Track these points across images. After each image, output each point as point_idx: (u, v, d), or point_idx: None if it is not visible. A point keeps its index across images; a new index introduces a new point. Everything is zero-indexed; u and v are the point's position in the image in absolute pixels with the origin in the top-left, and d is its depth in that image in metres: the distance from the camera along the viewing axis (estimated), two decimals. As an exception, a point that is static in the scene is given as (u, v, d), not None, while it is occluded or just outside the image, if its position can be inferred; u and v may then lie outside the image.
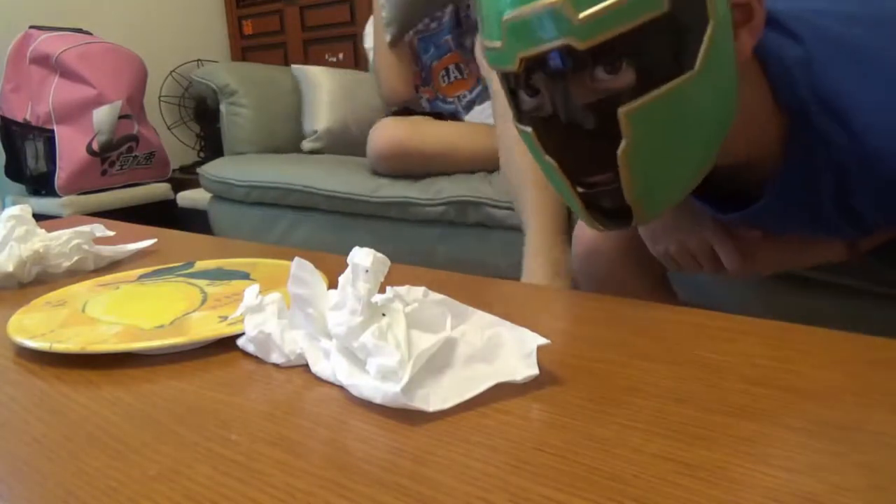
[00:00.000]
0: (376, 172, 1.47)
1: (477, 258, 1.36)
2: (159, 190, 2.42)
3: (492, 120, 1.56)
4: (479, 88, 1.68)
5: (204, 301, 0.52)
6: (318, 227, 1.58)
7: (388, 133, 1.39)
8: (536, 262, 1.07)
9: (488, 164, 1.38)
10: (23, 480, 0.31)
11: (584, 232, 0.82)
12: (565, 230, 1.07)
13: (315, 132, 1.80)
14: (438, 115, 1.47)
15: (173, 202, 2.40)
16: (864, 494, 0.26)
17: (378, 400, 0.35)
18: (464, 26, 1.67)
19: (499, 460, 0.30)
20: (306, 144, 1.81)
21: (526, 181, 1.12)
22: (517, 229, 1.29)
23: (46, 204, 2.18)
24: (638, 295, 0.82)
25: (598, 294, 0.55)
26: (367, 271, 0.37)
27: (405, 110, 1.49)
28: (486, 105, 1.65)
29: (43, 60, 2.19)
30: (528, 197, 1.12)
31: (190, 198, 2.30)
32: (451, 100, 1.71)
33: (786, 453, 0.29)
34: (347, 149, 1.78)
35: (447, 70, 1.71)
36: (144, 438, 0.34)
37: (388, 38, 1.63)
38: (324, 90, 1.87)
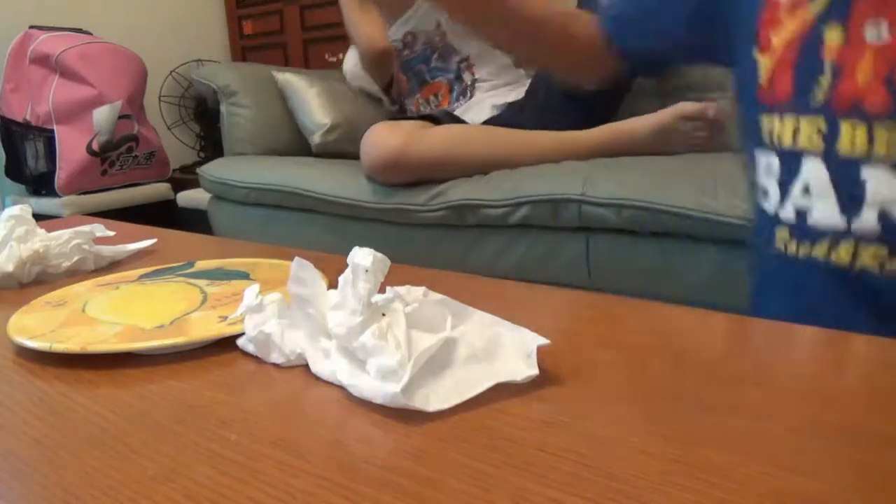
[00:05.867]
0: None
1: (477, 260, 1.36)
2: (159, 190, 2.43)
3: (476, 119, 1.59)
4: (458, 103, 1.72)
5: (204, 301, 0.52)
6: (318, 229, 1.58)
7: (384, 142, 1.34)
8: None
9: (488, 169, 1.37)
10: (23, 480, 0.31)
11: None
12: None
13: (326, 124, 1.76)
14: (432, 119, 1.44)
15: (173, 202, 2.40)
16: (864, 494, 0.26)
17: (378, 400, 0.35)
18: (436, 53, 1.73)
19: (499, 460, 0.30)
20: (317, 138, 1.76)
21: None
22: (515, 227, 1.29)
23: (46, 204, 2.18)
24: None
25: (599, 294, 0.55)
26: (367, 271, 0.37)
27: (397, 116, 1.46)
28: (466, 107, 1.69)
29: (43, 60, 2.19)
30: None
31: (190, 198, 2.31)
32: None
33: (786, 453, 0.29)
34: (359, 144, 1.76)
35: (427, 100, 1.77)
36: (144, 438, 0.34)
37: None
38: (313, 92, 1.82)
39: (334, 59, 2.71)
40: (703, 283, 1.10)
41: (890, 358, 0.39)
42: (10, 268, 0.63)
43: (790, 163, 0.52)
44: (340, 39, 2.68)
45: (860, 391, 0.35)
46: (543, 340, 0.38)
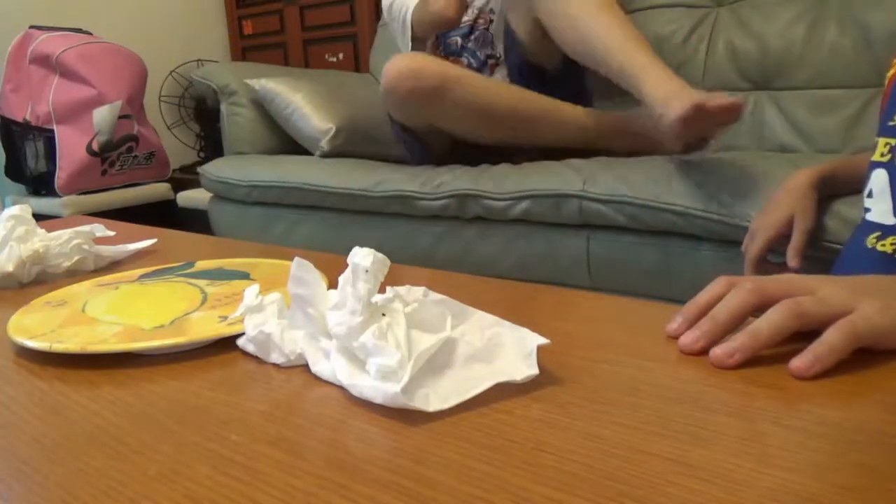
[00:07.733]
0: (392, 119, 1.46)
1: (478, 256, 1.37)
2: (159, 190, 2.43)
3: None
4: None
5: (204, 301, 0.52)
6: (319, 227, 1.58)
7: (406, 58, 1.36)
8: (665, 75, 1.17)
9: (515, 128, 1.37)
10: (23, 480, 0.31)
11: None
12: None
13: (331, 129, 1.70)
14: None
15: (173, 202, 2.40)
16: (864, 494, 0.26)
17: (378, 400, 0.35)
18: (474, 34, 1.69)
19: (499, 460, 0.30)
20: (325, 145, 1.69)
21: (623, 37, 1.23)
22: (517, 222, 1.29)
23: (46, 204, 2.18)
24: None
25: (599, 294, 0.56)
26: (367, 271, 0.37)
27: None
28: None
29: (43, 60, 2.19)
30: (632, 47, 1.22)
31: (190, 198, 2.31)
32: None
33: (786, 453, 0.29)
34: (368, 146, 1.71)
35: None
36: (144, 438, 0.34)
37: None
38: (301, 97, 1.75)
39: (334, 59, 2.70)
40: (703, 283, 1.11)
41: (890, 358, 0.39)
42: (10, 268, 0.63)
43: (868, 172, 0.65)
44: (340, 40, 2.68)
45: (860, 391, 0.35)
46: (543, 340, 0.38)
